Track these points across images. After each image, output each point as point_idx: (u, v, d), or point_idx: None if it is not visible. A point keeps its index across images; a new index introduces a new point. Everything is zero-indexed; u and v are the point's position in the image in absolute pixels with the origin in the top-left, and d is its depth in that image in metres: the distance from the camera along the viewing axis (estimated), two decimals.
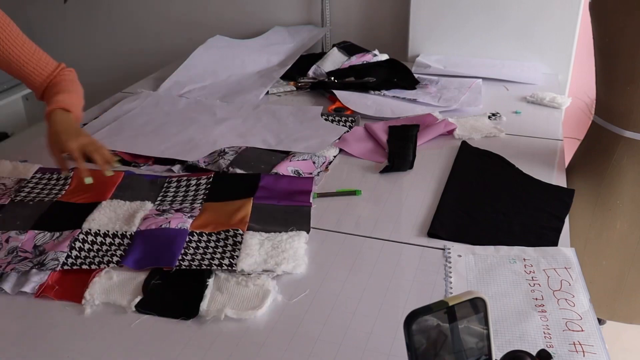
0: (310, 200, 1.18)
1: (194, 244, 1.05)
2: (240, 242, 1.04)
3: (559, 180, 1.28)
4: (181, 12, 2.56)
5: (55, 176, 1.31)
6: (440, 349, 0.58)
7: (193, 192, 1.23)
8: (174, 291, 0.95)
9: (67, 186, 1.26)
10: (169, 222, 1.09)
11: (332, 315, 0.90)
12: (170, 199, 1.22)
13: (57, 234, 1.08)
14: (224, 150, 1.40)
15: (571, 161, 1.51)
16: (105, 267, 0.99)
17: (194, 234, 1.08)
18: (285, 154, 1.39)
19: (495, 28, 2.00)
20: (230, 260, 1.00)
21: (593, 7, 1.35)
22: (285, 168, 1.31)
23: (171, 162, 1.38)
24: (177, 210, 1.16)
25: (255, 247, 1.03)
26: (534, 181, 1.27)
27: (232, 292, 0.94)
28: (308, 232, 1.09)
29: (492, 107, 1.67)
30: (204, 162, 1.36)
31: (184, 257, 1.01)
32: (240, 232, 1.07)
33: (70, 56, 2.79)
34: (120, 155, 1.39)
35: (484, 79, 1.86)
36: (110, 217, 1.13)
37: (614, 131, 1.35)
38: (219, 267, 0.98)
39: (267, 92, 1.84)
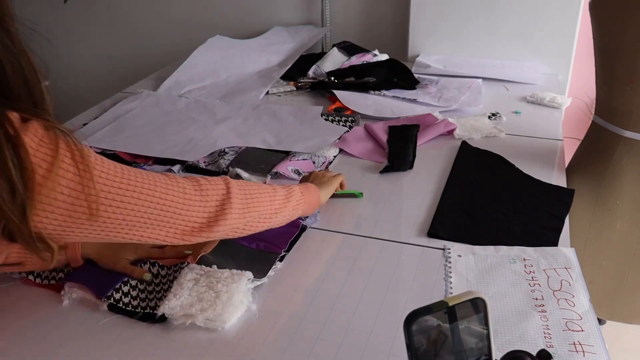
0: (284, 249, 1.03)
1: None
2: (177, 278, 0.92)
3: (559, 180, 1.28)
4: (181, 12, 2.56)
5: None
6: (441, 349, 0.58)
7: None
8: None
9: None
10: None
11: (332, 315, 0.90)
12: None
13: None
14: (224, 150, 1.40)
15: (571, 161, 1.51)
16: (48, 282, 0.96)
17: (147, 262, 0.97)
18: (285, 154, 1.39)
19: (495, 28, 2.00)
20: (157, 302, 0.90)
21: (593, 7, 1.35)
22: (285, 168, 1.31)
23: (171, 162, 1.38)
24: None
25: (188, 285, 0.90)
26: (534, 181, 1.27)
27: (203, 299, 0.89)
28: (260, 278, 0.95)
29: (492, 107, 1.67)
30: (204, 162, 1.37)
31: (122, 287, 0.93)
32: (185, 264, 0.95)
33: (71, 56, 2.79)
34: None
35: (484, 79, 1.86)
36: None
37: (614, 131, 1.35)
38: (141, 311, 0.89)
39: (267, 92, 1.84)
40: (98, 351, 0.83)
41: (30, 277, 0.97)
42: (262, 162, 1.35)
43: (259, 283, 0.95)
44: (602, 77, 1.39)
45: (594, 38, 1.38)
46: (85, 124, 1.60)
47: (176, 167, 1.35)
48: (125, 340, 0.85)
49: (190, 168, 1.36)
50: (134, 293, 0.93)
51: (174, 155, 1.39)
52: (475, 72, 1.91)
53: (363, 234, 1.10)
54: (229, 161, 1.35)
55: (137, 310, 0.90)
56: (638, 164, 1.34)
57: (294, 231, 1.08)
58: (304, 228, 1.11)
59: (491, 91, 1.80)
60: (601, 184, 1.38)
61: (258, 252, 1.03)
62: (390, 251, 1.05)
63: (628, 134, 1.33)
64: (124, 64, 2.74)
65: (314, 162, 1.35)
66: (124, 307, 0.91)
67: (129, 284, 0.94)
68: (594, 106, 1.45)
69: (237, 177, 1.29)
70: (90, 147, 1.42)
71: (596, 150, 1.41)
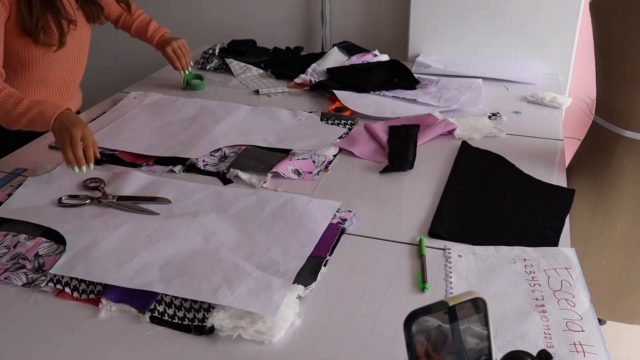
0: (327, 254, 1.03)
1: None
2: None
3: (559, 180, 1.28)
4: (181, 12, 2.56)
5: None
6: (441, 349, 0.58)
7: None
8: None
9: None
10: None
11: (332, 315, 0.90)
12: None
13: (62, 247, 1.05)
14: (225, 154, 1.40)
15: (571, 161, 1.51)
16: (85, 297, 0.94)
17: None
18: (285, 154, 1.39)
19: (495, 28, 2.00)
20: (205, 313, 0.88)
21: (593, 7, 1.35)
22: (285, 167, 1.31)
23: (172, 162, 1.37)
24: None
25: None
26: (535, 181, 1.27)
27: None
28: (306, 285, 0.94)
29: (493, 107, 1.67)
30: (204, 162, 1.36)
31: (163, 298, 0.92)
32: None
33: None
34: (118, 156, 1.40)
35: (484, 78, 1.86)
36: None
37: (615, 131, 1.35)
38: (190, 324, 0.87)
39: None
40: None
41: (67, 290, 0.95)
42: (262, 162, 1.35)
43: (308, 292, 0.94)
44: (602, 77, 1.39)
45: (594, 38, 1.38)
46: None
47: (177, 168, 1.35)
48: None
49: (190, 168, 1.35)
50: (177, 302, 0.91)
51: (174, 153, 1.39)
52: (475, 72, 1.91)
53: (363, 234, 1.10)
54: (229, 163, 1.35)
55: (183, 322, 0.88)
56: (638, 164, 1.34)
57: (334, 234, 1.08)
58: (343, 231, 1.10)
59: (491, 91, 1.80)
60: (601, 184, 1.38)
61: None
62: (390, 251, 1.05)
63: (628, 134, 1.33)
64: (124, 64, 2.73)
65: (314, 162, 1.35)
66: (169, 319, 0.89)
67: (169, 295, 0.92)
68: (594, 106, 1.45)
69: (237, 178, 1.30)
70: None
71: (596, 150, 1.41)
